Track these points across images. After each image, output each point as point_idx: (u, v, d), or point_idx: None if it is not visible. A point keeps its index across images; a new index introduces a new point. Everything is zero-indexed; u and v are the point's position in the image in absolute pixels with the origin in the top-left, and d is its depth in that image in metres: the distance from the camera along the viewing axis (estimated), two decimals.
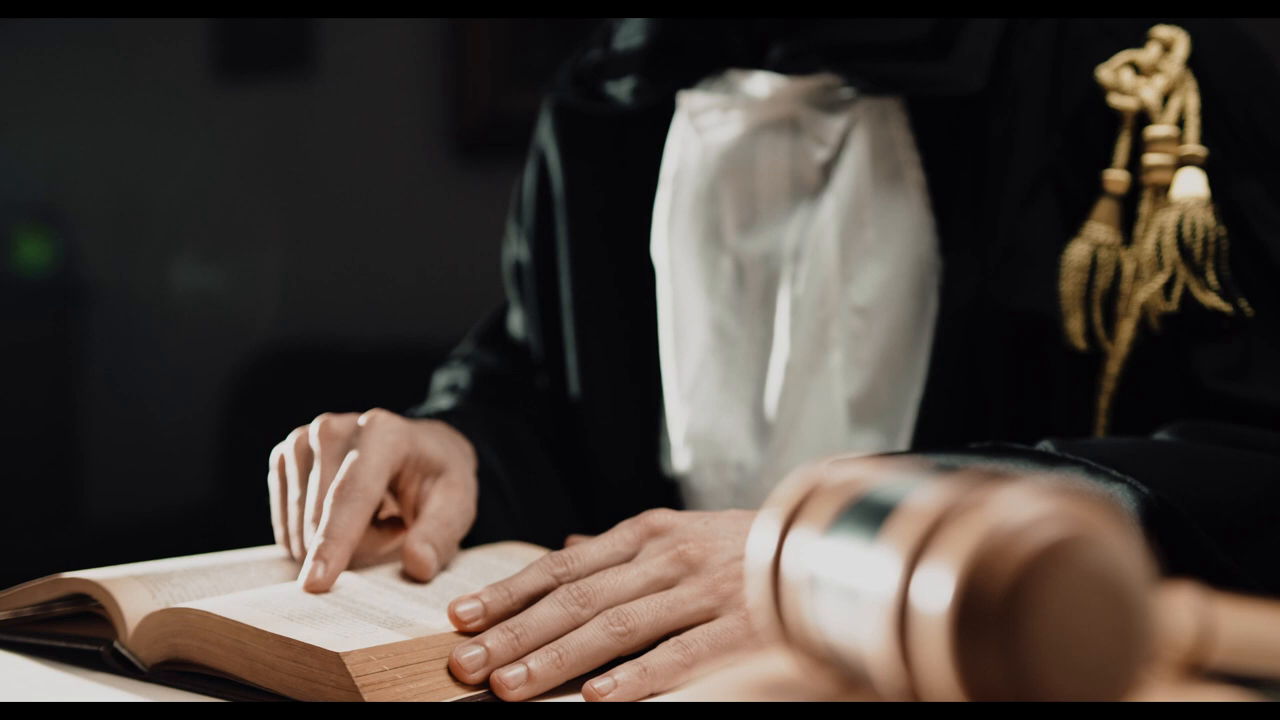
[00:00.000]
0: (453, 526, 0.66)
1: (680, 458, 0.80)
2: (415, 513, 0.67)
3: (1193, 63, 0.71)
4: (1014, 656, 0.28)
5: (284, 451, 0.68)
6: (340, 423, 0.66)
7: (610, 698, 0.53)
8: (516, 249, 0.93)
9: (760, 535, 0.35)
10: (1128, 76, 0.71)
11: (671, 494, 0.82)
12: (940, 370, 0.73)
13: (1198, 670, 0.34)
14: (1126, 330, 0.70)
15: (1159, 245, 0.69)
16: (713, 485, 0.79)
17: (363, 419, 0.66)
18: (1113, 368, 0.71)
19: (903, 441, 0.75)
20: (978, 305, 0.72)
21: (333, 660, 0.50)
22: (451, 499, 0.67)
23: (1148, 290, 0.69)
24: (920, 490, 0.32)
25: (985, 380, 0.72)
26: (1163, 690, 0.33)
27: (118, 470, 2.55)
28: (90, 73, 2.56)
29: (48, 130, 2.62)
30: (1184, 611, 0.34)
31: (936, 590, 0.29)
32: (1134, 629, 0.29)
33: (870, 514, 0.33)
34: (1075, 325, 0.71)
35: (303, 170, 2.38)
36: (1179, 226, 0.68)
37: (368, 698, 0.50)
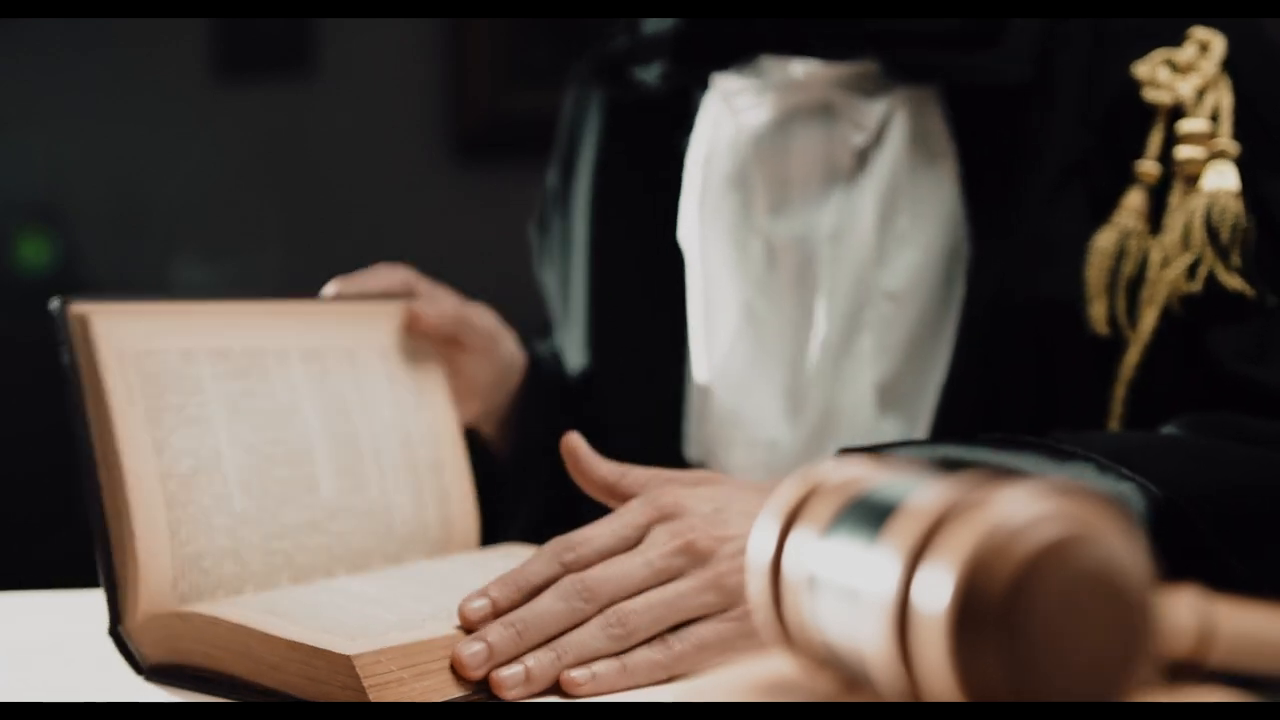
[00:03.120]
0: (463, 317, 0.76)
1: (710, 437, 0.81)
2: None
3: (1228, 64, 0.72)
4: (1013, 655, 0.28)
5: None
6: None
7: (585, 690, 0.54)
8: (539, 270, 0.95)
9: (760, 535, 0.35)
10: (1164, 73, 0.72)
11: None
12: (963, 358, 0.74)
13: (1197, 670, 0.34)
14: (1150, 317, 0.71)
15: (1187, 227, 0.70)
16: (744, 464, 0.80)
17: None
18: (1133, 356, 0.71)
19: (922, 427, 0.76)
20: (1001, 295, 0.73)
21: (342, 662, 0.50)
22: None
23: (1173, 270, 0.70)
24: (920, 490, 0.32)
25: (1006, 368, 0.73)
26: (1162, 690, 0.33)
27: None
28: (90, 73, 2.56)
29: (48, 130, 2.62)
30: (1184, 611, 0.34)
31: (936, 590, 0.29)
32: (1133, 628, 0.29)
33: (870, 514, 0.33)
34: (1099, 311, 0.72)
35: (303, 170, 2.38)
36: (1208, 210, 0.70)
37: (373, 698, 0.49)
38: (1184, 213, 0.70)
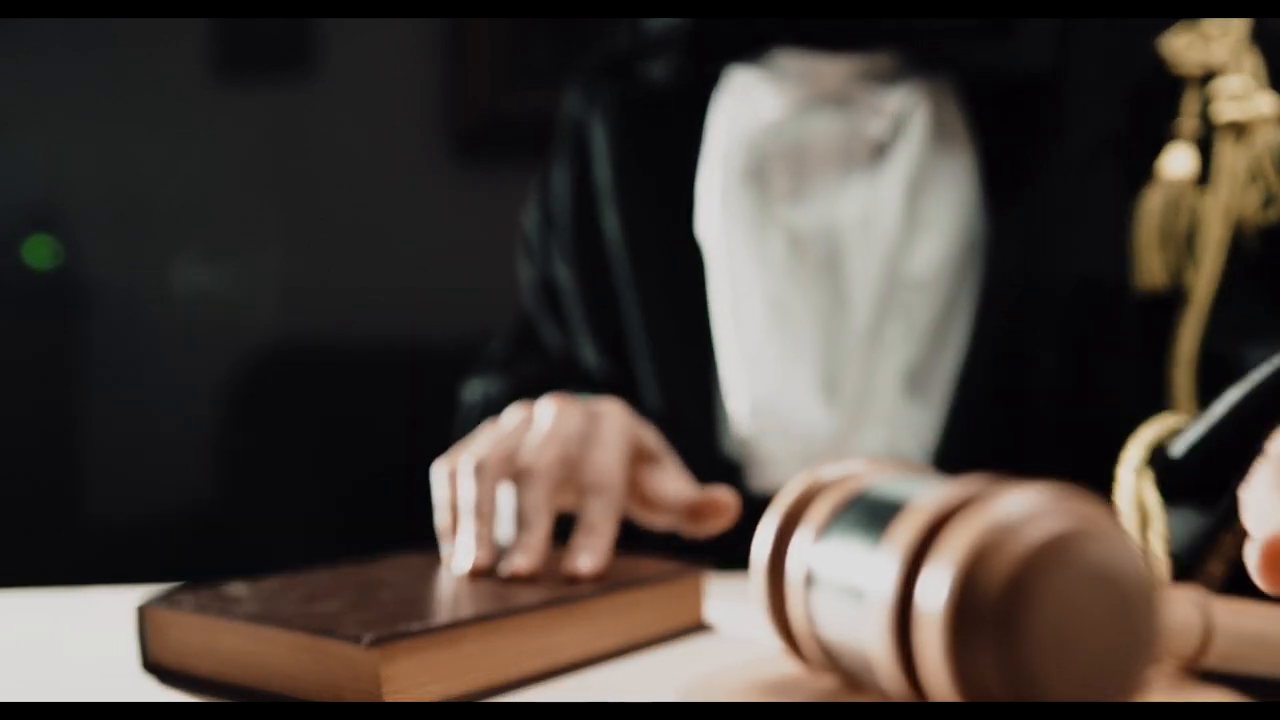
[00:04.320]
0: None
1: (745, 427, 0.81)
2: (637, 496, 0.69)
3: (1254, 36, 0.76)
4: (1013, 654, 0.28)
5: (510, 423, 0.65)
6: (574, 405, 0.66)
7: None
8: (543, 267, 0.94)
9: (760, 535, 0.35)
10: (1194, 43, 0.76)
11: (732, 473, 0.83)
12: (981, 341, 0.75)
13: (1197, 670, 0.34)
14: (1213, 260, 0.73)
15: (1254, 167, 0.73)
16: (780, 453, 0.80)
17: (595, 406, 0.67)
18: (1198, 306, 0.73)
19: (942, 411, 0.78)
20: (1020, 278, 0.76)
21: (363, 656, 0.49)
22: (683, 482, 0.69)
23: (1248, 203, 0.73)
24: (921, 489, 0.32)
25: (1027, 350, 0.75)
26: (1163, 690, 0.33)
27: (118, 471, 2.55)
28: (90, 73, 2.56)
29: (48, 130, 2.62)
30: (1187, 611, 0.34)
31: (935, 588, 0.28)
32: (1136, 628, 0.29)
33: (870, 513, 0.33)
34: (1154, 262, 0.74)
35: (303, 170, 2.38)
36: (1273, 149, 0.73)
37: (386, 690, 0.49)
38: (1245, 157, 0.73)
